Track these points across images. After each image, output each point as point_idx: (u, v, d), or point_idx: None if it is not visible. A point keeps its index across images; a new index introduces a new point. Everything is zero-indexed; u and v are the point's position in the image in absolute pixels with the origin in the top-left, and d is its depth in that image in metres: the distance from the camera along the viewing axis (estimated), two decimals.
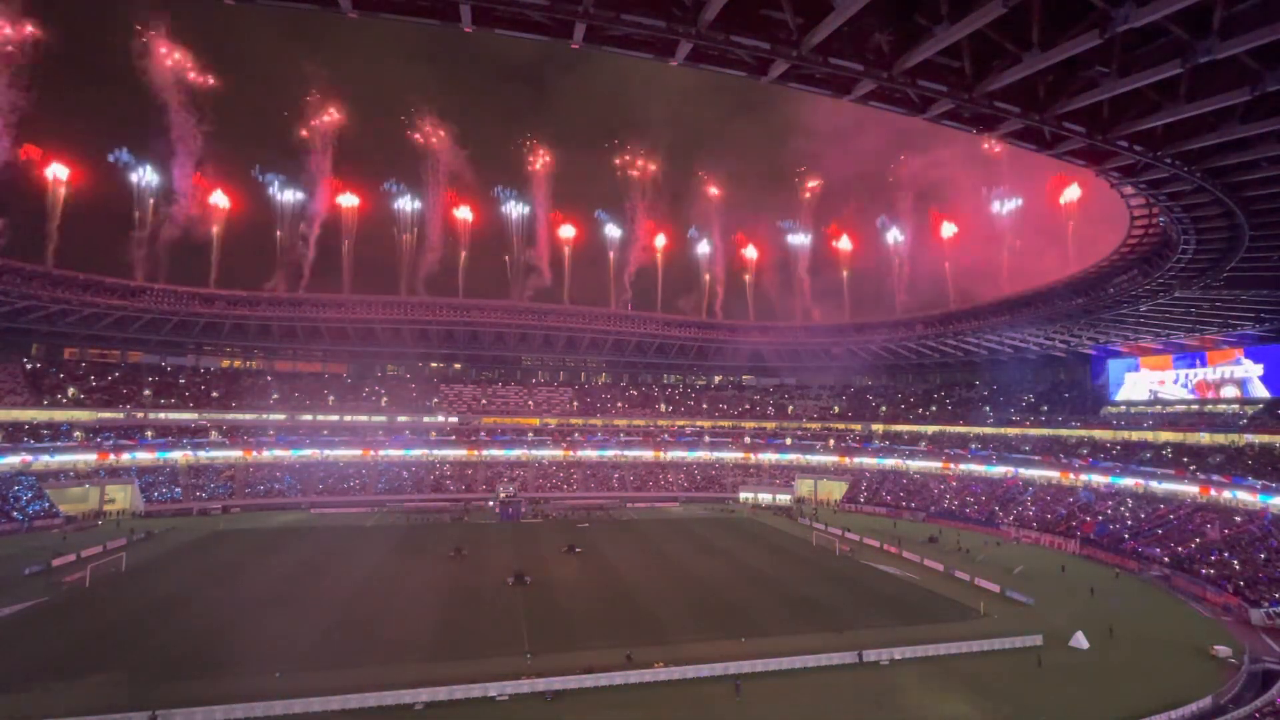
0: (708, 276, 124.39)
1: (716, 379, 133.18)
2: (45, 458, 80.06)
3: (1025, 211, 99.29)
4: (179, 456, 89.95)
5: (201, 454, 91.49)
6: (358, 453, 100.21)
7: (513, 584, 51.64)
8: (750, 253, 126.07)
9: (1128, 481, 75.03)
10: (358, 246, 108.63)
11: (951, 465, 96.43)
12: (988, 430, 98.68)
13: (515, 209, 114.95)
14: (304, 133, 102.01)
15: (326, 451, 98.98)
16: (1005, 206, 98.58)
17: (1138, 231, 51.49)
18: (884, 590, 52.80)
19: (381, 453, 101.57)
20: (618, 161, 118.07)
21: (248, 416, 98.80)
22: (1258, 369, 73.34)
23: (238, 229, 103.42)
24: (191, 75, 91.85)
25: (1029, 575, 57.12)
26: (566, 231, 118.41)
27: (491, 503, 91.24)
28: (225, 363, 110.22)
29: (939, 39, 22.60)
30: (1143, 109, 27.81)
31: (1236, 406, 76.11)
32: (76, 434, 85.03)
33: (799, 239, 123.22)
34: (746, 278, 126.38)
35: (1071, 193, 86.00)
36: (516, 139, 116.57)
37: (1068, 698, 32.84)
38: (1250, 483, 63.46)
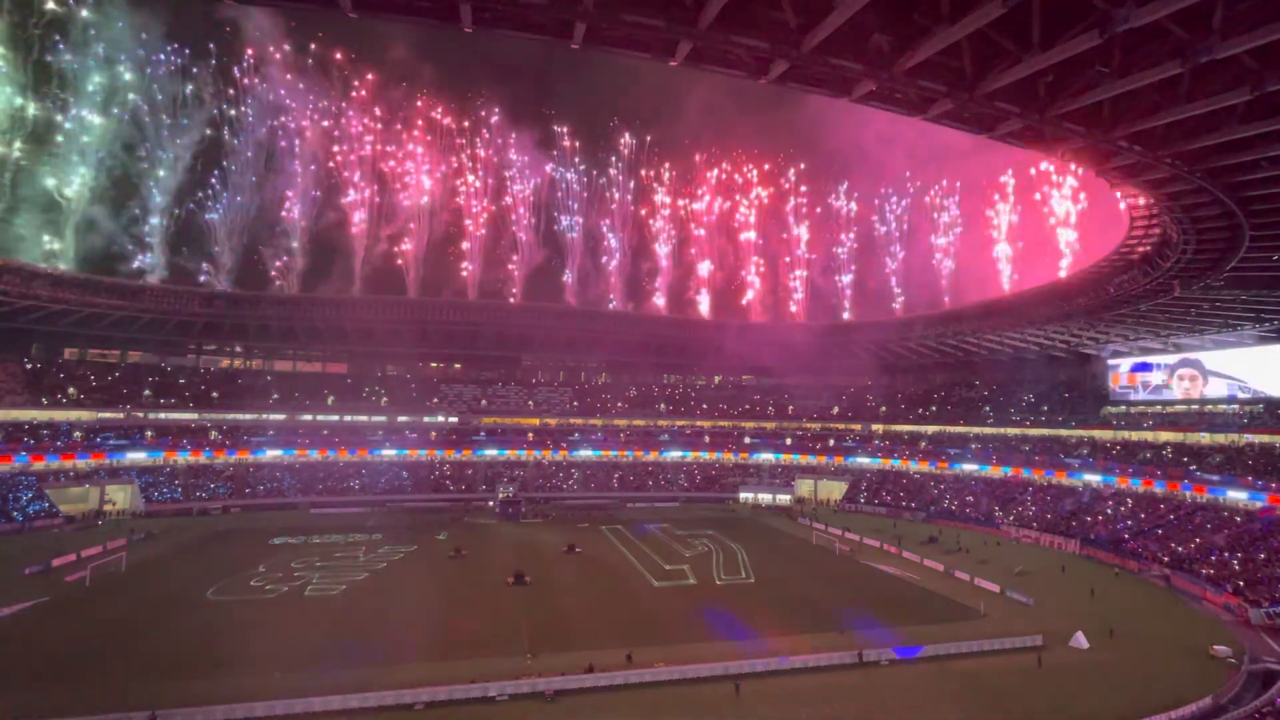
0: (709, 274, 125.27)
1: (716, 379, 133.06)
2: (45, 458, 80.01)
3: (1025, 211, 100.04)
4: (178, 457, 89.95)
5: (201, 454, 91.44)
6: (358, 453, 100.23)
7: (513, 584, 51.65)
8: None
9: (1128, 481, 74.99)
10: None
11: (951, 465, 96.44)
12: (988, 430, 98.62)
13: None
14: None
15: (325, 452, 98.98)
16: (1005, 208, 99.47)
17: (1137, 232, 51.48)
18: (884, 590, 52.79)
19: (381, 453, 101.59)
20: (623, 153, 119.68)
21: (247, 416, 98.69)
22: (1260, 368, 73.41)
23: None
24: None
25: (1029, 575, 57.14)
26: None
27: (491, 503, 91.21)
28: (225, 363, 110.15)
29: (939, 39, 22.60)
30: (1143, 109, 27.80)
31: (1236, 406, 76.17)
32: (76, 434, 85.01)
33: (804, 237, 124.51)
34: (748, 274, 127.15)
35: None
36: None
37: (1068, 698, 32.82)
38: (1250, 483, 63.43)
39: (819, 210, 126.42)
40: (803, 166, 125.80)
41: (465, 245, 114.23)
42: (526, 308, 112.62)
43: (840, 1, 20.98)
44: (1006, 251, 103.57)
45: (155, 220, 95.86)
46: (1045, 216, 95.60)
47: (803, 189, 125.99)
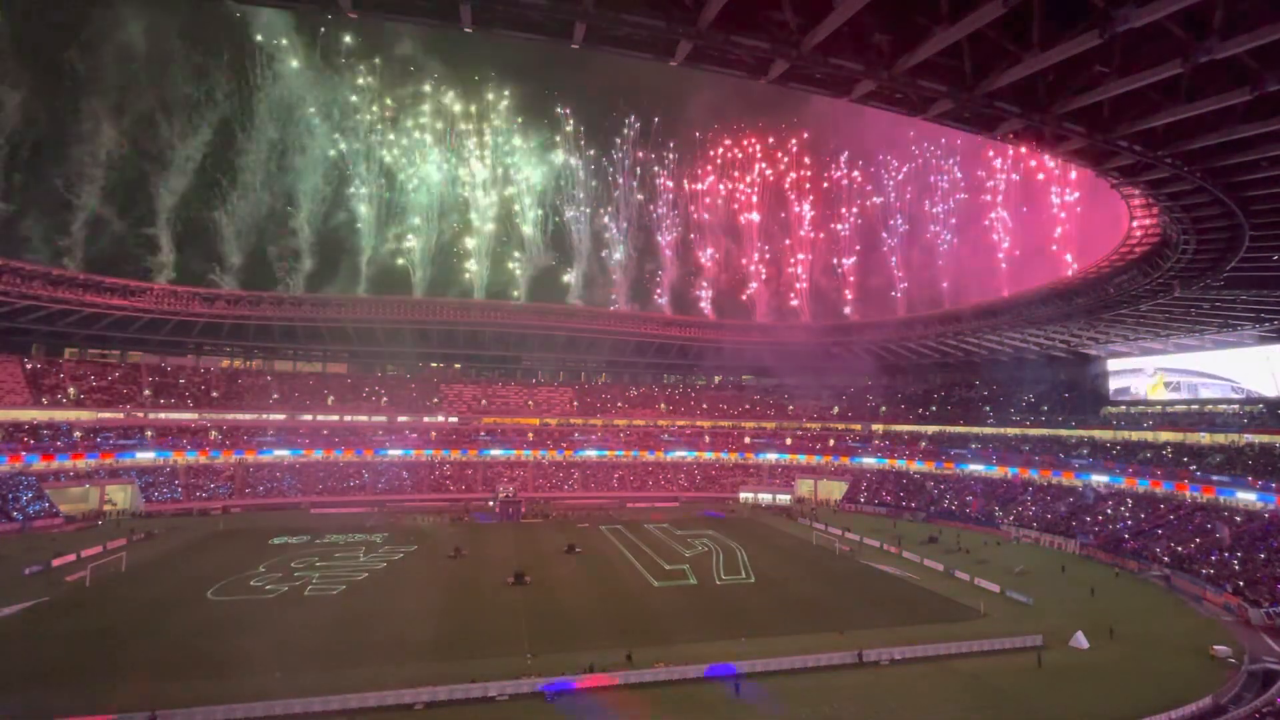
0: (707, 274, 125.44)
1: (716, 379, 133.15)
2: (55, 458, 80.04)
3: (1024, 210, 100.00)
4: (179, 457, 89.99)
5: (207, 454, 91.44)
6: (358, 453, 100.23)
7: (513, 584, 51.66)
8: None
9: (1134, 482, 74.81)
10: None
11: (951, 465, 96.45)
12: (987, 430, 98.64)
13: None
14: None
15: (326, 451, 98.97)
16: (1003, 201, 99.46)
17: (1138, 232, 51.49)
18: (884, 590, 52.79)
19: (381, 453, 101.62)
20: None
21: (248, 416, 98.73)
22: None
23: None
24: None
25: (1029, 575, 57.12)
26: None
27: (491, 503, 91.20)
28: (225, 363, 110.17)
29: (939, 39, 22.58)
30: (1143, 109, 27.79)
31: (1236, 406, 76.13)
32: (76, 434, 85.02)
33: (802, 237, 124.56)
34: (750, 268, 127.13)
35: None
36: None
37: (1068, 698, 32.81)
38: (1257, 483, 63.31)
39: (824, 185, 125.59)
40: (806, 136, 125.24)
41: (471, 241, 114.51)
42: (527, 308, 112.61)
43: (840, 1, 20.97)
44: (1006, 223, 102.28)
45: (163, 220, 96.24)
46: (1039, 172, 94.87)
47: (806, 161, 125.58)
